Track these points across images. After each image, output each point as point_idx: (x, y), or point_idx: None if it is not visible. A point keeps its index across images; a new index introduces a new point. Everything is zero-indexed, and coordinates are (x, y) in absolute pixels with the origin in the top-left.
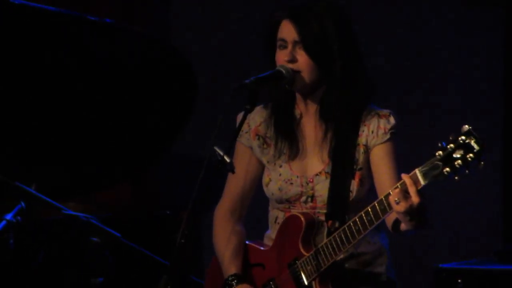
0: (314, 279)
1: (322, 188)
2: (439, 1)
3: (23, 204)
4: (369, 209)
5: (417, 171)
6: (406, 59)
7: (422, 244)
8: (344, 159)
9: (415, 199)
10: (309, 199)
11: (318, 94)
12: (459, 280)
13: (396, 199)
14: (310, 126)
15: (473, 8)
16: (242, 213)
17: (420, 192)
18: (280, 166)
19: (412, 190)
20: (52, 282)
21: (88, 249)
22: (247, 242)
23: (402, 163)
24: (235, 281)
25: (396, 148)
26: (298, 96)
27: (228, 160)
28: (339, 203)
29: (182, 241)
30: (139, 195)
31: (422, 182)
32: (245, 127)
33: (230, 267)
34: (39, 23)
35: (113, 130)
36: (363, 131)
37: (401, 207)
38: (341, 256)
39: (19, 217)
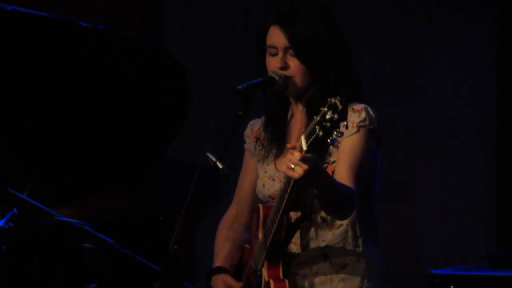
0: (262, 265)
1: None
2: (433, 5)
3: (15, 210)
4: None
5: (302, 136)
6: (399, 60)
7: (415, 249)
8: (316, 152)
9: (303, 165)
10: None
11: (308, 94)
12: (452, 286)
13: (291, 165)
14: (297, 124)
15: (467, 12)
16: (249, 218)
17: (308, 157)
18: (267, 164)
19: (298, 156)
20: None
21: (81, 255)
22: (245, 244)
23: (392, 162)
24: (213, 272)
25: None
26: (290, 97)
27: (220, 166)
28: (305, 195)
29: (175, 247)
30: (133, 201)
31: (304, 147)
32: (248, 132)
33: (215, 262)
34: (31, 29)
35: (107, 136)
36: None
37: (291, 173)
38: (304, 250)
39: (11, 223)
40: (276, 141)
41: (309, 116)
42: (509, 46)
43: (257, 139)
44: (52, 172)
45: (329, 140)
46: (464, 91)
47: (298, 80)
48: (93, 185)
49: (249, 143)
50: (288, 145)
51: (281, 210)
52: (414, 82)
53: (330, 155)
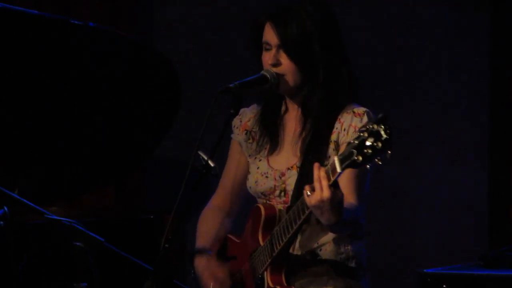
0: (265, 269)
1: (292, 183)
2: (425, 4)
3: (6, 208)
4: (299, 201)
5: (335, 157)
6: (391, 59)
7: (407, 248)
8: (314, 154)
9: (325, 193)
10: (282, 194)
11: (302, 92)
12: (444, 286)
13: (308, 192)
14: (292, 122)
15: (459, 12)
16: (232, 208)
17: (333, 186)
18: (260, 160)
19: (324, 184)
20: (35, 287)
21: (71, 254)
22: (228, 235)
23: (385, 163)
24: (197, 252)
25: None
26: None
27: (212, 164)
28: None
29: (166, 245)
30: (123, 199)
31: (338, 169)
32: (236, 122)
33: (199, 242)
34: (22, 27)
35: (97, 134)
36: (336, 128)
37: (312, 199)
38: (298, 250)
39: (1, 222)
40: (270, 136)
41: (305, 116)
42: (502, 47)
43: (247, 131)
44: (42, 171)
45: (368, 166)
46: (457, 93)
47: (290, 78)
48: (82, 184)
49: (238, 134)
50: (317, 167)
51: (294, 228)
52: (405, 85)
53: (328, 159)
